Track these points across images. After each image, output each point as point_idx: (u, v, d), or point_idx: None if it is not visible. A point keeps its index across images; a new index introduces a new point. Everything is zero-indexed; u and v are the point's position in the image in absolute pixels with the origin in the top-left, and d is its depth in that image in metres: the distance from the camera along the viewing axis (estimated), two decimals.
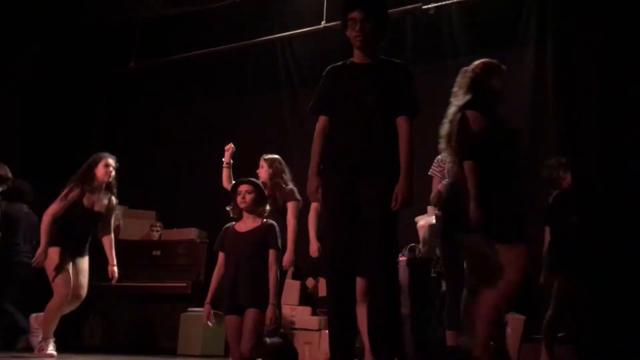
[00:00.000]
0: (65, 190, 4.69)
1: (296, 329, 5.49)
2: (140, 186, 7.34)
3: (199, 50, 7.23)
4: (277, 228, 4.20)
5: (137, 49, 7.46)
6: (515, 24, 5.80)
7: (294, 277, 5.88)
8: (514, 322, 4.80)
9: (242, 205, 4.17)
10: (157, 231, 6.80)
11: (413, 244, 5.46)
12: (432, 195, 4.19)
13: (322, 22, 6.49)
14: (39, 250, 4.57)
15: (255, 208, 4.18)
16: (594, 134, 5.23)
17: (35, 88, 7.58)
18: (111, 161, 4.83)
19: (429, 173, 4.29)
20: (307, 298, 5.83)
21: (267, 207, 4.27)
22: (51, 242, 4.58)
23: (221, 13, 7.25)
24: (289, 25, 6.98)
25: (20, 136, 7.47)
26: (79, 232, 4.74)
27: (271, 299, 3.99)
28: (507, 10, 5.90)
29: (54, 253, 4.56)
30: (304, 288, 5.86)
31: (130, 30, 7.52)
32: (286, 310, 5.63)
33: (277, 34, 7.03)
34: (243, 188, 4.19)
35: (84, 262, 4.80)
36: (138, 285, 6.30)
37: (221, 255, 4.24)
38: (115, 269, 4.89)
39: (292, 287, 5.70)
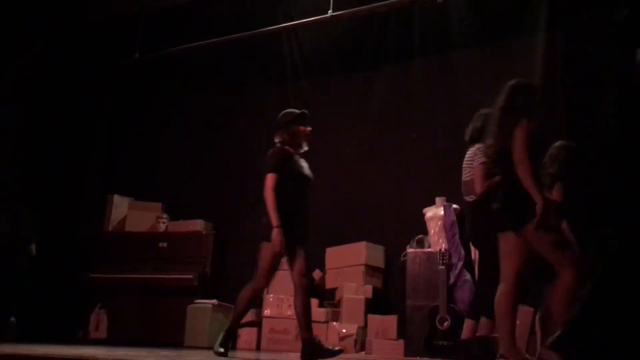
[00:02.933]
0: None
1: None
2: (147, 178, 7.32)
3: (204, 41, 7.17)
4: None
5: (141, 41, 7.41)
6: (524, 12, 5.71)
7: None
8: (522, 315, 4.75)
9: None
10: (164, 223, 6.78)
11: (421, 236, 5.42)
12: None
13: (329, 12, 6.41)
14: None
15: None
16: (605, 121, 5.15)
17: (39, 81, 7.54)
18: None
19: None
20: (314, 290, 5.79)
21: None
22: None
23: (225, 3, 7.18)
24: (295, 15, 6.91)
25: (25, 129, 7.44)
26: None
27: None
28: None
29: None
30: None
31: (134, 22, 7.47)
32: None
33: (282, 23, 6.96)
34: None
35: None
36: (144, 277, 6.30)
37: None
38: None
39: None
